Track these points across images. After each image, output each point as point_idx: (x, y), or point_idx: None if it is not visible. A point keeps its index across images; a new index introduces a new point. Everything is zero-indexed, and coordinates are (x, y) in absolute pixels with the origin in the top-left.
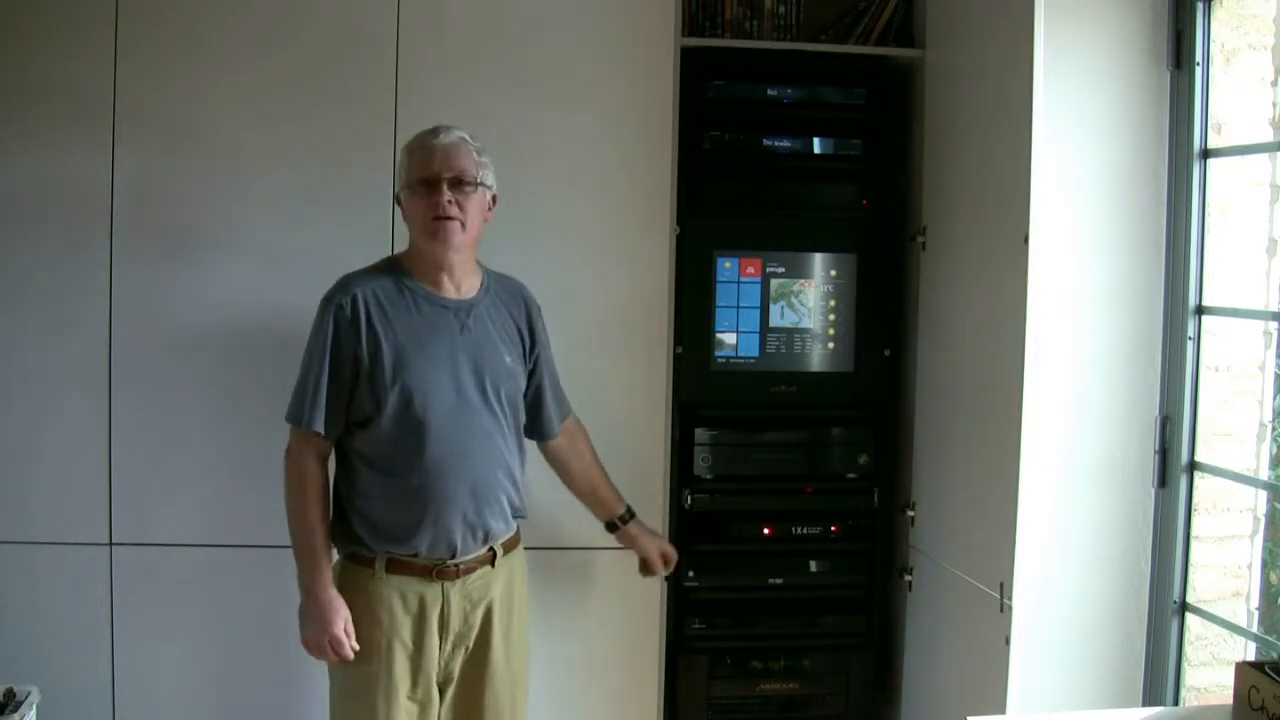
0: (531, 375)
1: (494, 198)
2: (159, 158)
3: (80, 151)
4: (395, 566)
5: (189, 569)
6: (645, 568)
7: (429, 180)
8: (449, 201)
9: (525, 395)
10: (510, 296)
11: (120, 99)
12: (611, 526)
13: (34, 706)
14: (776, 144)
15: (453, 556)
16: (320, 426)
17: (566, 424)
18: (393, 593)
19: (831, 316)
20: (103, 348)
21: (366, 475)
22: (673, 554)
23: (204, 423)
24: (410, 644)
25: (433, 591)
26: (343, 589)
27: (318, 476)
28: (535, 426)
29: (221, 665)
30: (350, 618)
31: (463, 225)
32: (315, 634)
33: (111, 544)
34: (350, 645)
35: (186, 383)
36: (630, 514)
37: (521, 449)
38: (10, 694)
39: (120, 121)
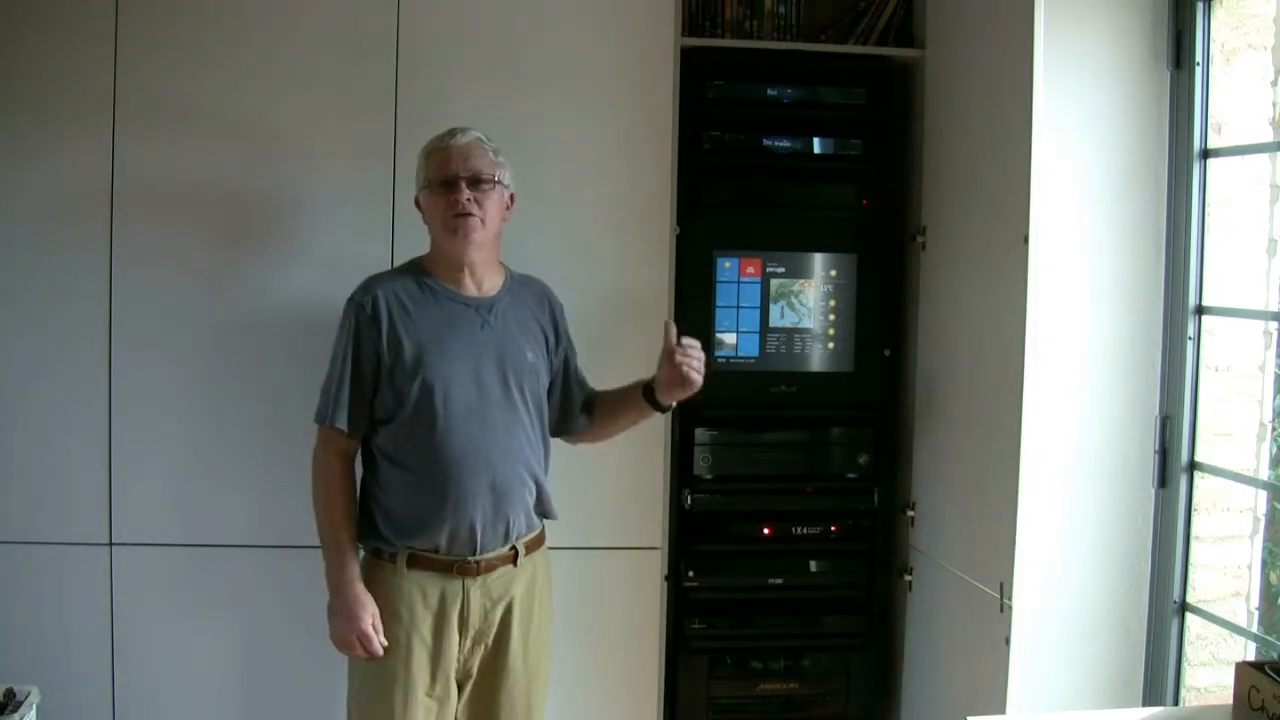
0: (560, 373)
1: (512, 196)
2: (160, 155)
3: (80, 148)
4: (416, 562)
5: (189, 569)
6: (670, 363)
7: (447, 180)
8: (468, 199)
9: (551, 393)
10: (534, 295)
11: (120, 93)
12: (648, 395)
13: (34, 706)
14: (776, 144)
15: (473, 553)
16: (343, 424)
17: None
18: (413, 588)
19: (831, 316)
20: (103, 346)
21: (389, 471)
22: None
23: (205, 422)
24: (430, 640)
25: (453, 588)
26: (366, 584)
27: (341, 474)
28: (565, 424)
29: (222, 665)
30: (378, 613)
31: (482, 222)
32: (343, 630)
33: (111, 544)
34: (379, 640)
35: (187, 382)
36: (646, 385)
37: (546, 447)
38: (10, 694)
39: (120, 117)
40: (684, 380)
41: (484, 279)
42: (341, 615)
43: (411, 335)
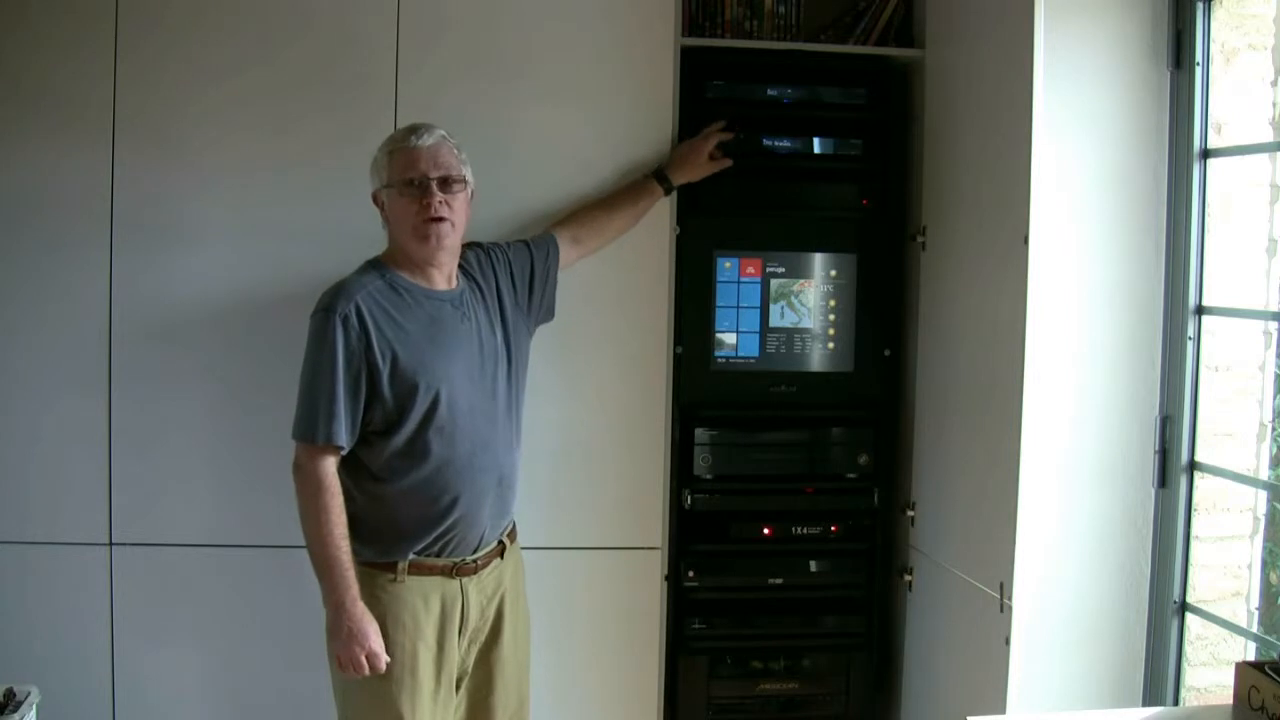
0: (539, 267)
1: (472, 192)
2: (159, 158)
3: (80, 151)
4: (415, 568)
5: (189, 569)
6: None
7: (417, 181)
8: (440, 202)
9: (534, 278)
10: (474, 268)
11: (120, 99)
12: (661, 180)
13: (34, 706)
14: (776, 144)
15: (474, 551)
16: (343, 439)
17: (558, 231)
18: (414, 595)
19: (831, 316)
20: (103, 346)
21: (388, 481)
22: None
23: (204, 423)
24: (434, 645)
25: (452, 590)
26: (363, 598)
27: (338, 490)
28: (551, 255)
29: (222, 666)
30: (379, 629)
31: (453, 225)
32: (350, 649)
33: (111, 544)
34: (384, 657)
35: (187, 382)
36: (659, 174)
37: (520, 430)
38: (10, 694)
39: (120, 121)
40: (711, 165)
41: (450, 271)
42: (348, 635)
43: (402, 340)
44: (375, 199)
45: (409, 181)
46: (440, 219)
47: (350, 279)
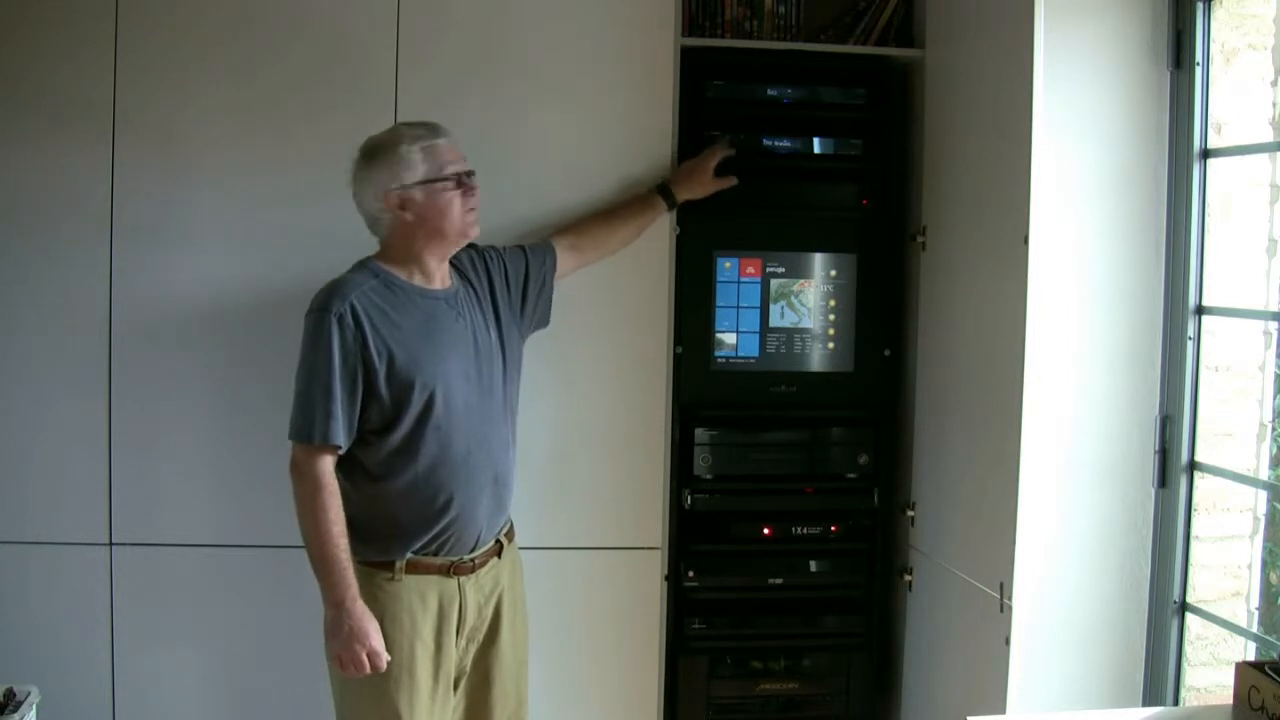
0: (534, 273)
1: None
2: (159, 159)
3: (80, 151)
4: (413, 567)
5: (189, 569)
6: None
7: (465, 174)
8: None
9: (528, 283)
10: (467, 269)
11: (120, 99)
12: (664, 195)
13: (34, 706)
14: (776, 144)
15: (471, 550)
16: (340, 439)
17: (556, 240)
18: (412, 594)
19: (831, 316)
20: (103, 346)
21: (385, 479)
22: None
23: (204, 422)
24: (432, 644)
25: (449, 589)
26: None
27: (336, 490)
28: (548, 263)
29: (222, 666)
30: (379, 628)
31: None
32: (351, 648)
33: (111, 544)
34: (385, 656)
35: (186, 382)
36: (663, 188)
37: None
38: (10, 694)
39: (120, 121)
40: (715, 183)
41: (445, 271)
42: (349, 633)
43: (398, 339)
44: (389, 198)
45: (457, 175)
46: (475, 209)
47: (344, 278)
